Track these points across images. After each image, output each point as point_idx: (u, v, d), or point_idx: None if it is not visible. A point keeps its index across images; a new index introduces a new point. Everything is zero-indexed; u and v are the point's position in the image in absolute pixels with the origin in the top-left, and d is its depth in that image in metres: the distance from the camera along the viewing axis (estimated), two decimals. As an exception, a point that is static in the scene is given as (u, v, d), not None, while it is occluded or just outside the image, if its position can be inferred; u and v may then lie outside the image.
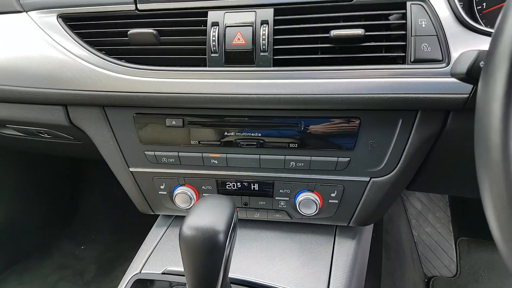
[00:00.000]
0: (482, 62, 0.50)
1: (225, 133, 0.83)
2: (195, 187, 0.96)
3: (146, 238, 1.08)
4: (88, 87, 0.78)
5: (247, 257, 0.97)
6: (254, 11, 0.72)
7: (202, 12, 0.75)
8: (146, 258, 1.00)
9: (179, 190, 0.95)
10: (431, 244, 1.95)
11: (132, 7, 0.77)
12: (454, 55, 0.66)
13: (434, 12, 0.67)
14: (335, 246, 1.00)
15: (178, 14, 0.76)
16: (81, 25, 0.81)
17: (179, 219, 1.14)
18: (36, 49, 0.81)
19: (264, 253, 0.98)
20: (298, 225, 1.06)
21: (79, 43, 0.79)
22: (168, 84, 0.75)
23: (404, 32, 0.69)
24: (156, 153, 0.89)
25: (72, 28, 0.81)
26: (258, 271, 0.93)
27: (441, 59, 0.67)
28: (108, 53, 0.79)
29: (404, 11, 0.69)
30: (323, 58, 0.72)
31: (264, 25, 0.72)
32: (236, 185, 0.93)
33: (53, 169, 2.00)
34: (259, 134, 0.82)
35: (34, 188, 1.90)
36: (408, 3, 0.68)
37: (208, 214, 0.57)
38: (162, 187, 0.97)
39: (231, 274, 0.87)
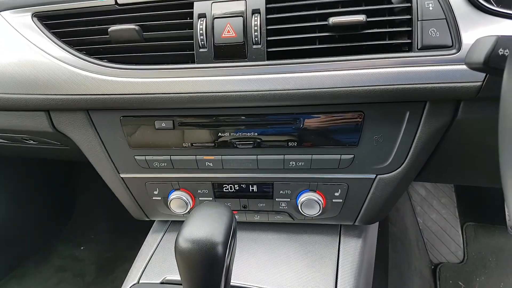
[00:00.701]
0: (506, 51, 0.44)
1: (219, 134, 0.80)
2: (191, 191, 0.92)
3: (143, 245, 1.06)
4: (69, 91, 0.75)
5: (249, 261, 0.95)
6: None
7: (188, 3, 0.71)
8: (144, 266, 0.97)
9: (174, 195, 0.91)
10: (437, 231, 1.94)
11: (112, 1, 0.73)
12: (465, 40, 0.63)
13: None
14: (341, 245, 0.98)
15: (161, 6, 0.73)
16: (58, 24, 0.78)
17: (176, 223, 1.11)
18: (11, 52, 0.78)
19: (267, 256, 0.96)
20: (301, 225, 1.03)
21: (57, 44, 0.76)
22: (154, 84, 0.72)
23: (409, 17, 0.65)
24: (147, 157, 0.86)
25: (49, 27, 0.78)
26: (261, 276, 0.90)
27: (451, 44, 0.64)
28: (89, 53, 0.76)
29: None
30: (321, 49, 0.68)
31: (256, 14, 0.68)
32: (234, 187, 0.90)
33: (47, 170, 1.99)
34: (255, 133, 0.79)
35: (29, 191, 1.89)
36: None
37: (204, 224, 0.55)
38: (155, 192, 0.94)
39: (232, 282, 0.85)
